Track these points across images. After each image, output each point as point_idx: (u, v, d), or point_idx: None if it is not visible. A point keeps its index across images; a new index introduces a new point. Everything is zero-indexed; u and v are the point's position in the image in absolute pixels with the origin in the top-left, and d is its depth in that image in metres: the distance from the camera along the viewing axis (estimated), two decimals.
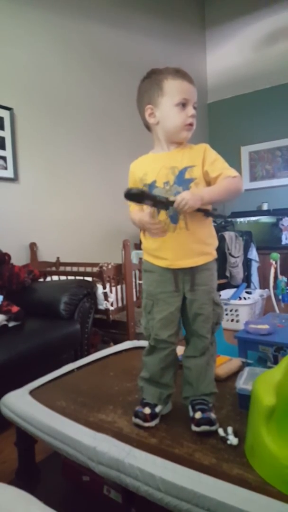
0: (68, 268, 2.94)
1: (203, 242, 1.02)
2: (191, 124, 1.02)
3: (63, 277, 2.54)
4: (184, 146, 1.05)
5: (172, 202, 0.94)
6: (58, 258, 3.00)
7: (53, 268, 2.92)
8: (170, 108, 1.01)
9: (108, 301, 2.39)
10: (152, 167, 1.03)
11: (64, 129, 3.18)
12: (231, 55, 5.27)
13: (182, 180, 0.99)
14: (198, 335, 1.03)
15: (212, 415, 0.96)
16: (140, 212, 1.03)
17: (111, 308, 2.41)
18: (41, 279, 2.49)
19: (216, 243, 1.07)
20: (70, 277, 2.50)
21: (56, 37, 3.12)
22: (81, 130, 3.36)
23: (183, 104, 1.00)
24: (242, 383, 1.04)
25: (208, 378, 1.05)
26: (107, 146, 3.62)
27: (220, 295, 3.24)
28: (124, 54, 3.87)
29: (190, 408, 1.01)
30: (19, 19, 2.77)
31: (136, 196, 0.95)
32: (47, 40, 3.03)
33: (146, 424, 0.98)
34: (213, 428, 0.94)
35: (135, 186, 1.04)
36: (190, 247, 1.00)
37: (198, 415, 0.95)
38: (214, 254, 1.05)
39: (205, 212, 0.98)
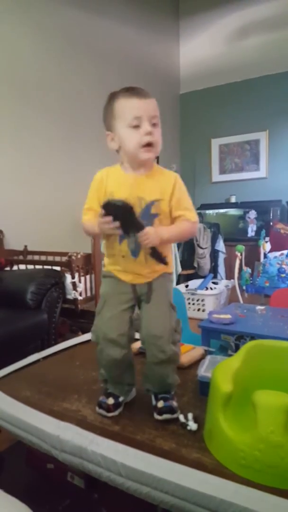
0: (36, 257, 2.90)
1: (161, 269, 1.03)
2: (149, 144, 0.94)
3: (30, 266, 2.50)
4: (154, 170, 1.01)
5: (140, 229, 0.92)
6: (25, 246, 2.95)
7: (20, 257, 2.87)
8: (124, 131, 0.95)
9: (76, 290, 2.38)
10: (120, 190, 0.97)
11: (32, 114, 3.10)
12: (204, 46, 5.28)
13: (148, 215, 0.96)
14: (157, 337, 0.98)
15: (174, 403, 0.99)
16: (95, 219, 0.97)
17: (80, 297, 2.41)
18: (8, 268, 2.45)
19: (172, 261, 1.08)
20: (37, 266, 2.47)
21: (29, 21, 3.02)
22: (50, 116, 3.28)
23: (137, 123, 0.93)
24: (203, 371, 1.08)
25: (168, 381, 1.02)
26: (78, 132, 3.56)
27: (187, 285, 3.31)
28: (97, 41, 3.80)
29: (152, 397, 1.03)
30: None
31: (119, 208, 0.88)
32: (19, 23, 2.92)
33: (110, 414, 1.00)
34: (175, 416, 0.97)
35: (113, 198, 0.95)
36: (148, 273, 1.01)
37: (160, 404, 0.98)
38: (171, 266, 1.07)
39: (154, 253, 0.97)
